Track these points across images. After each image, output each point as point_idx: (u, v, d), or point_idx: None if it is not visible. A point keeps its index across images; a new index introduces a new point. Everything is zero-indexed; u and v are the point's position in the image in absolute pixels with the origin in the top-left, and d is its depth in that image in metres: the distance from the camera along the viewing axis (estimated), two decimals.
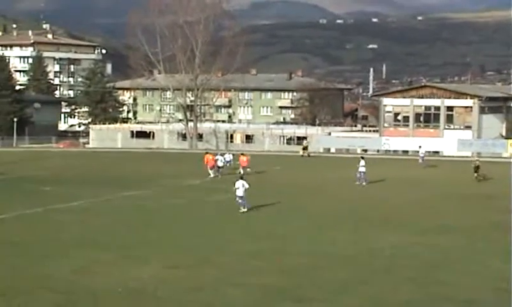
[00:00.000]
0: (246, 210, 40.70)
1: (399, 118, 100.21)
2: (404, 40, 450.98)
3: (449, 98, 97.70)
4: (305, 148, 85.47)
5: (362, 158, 57.44)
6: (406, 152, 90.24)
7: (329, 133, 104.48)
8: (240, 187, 40.62)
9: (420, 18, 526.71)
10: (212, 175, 58.46)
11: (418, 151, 74.50)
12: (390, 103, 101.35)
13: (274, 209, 42.98)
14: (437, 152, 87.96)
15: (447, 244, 32.30)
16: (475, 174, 58.60)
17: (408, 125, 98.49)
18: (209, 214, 41.04)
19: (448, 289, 24.69)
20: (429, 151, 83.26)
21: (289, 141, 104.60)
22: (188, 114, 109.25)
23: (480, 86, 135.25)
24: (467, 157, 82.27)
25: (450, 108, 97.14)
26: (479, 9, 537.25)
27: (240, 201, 40.81)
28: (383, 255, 29.85)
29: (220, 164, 59.93)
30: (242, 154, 63.53)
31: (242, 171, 57.29)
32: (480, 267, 27.78)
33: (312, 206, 44.29)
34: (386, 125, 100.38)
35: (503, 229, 35.89)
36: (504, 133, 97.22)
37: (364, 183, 55.01)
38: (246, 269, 27.28)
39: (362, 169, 55.61)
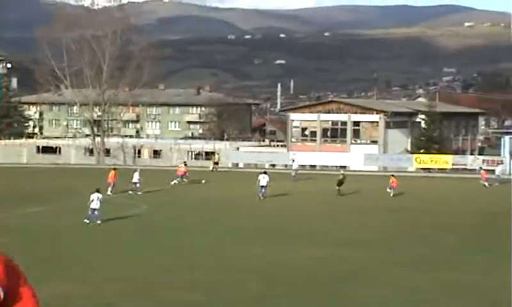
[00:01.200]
0: (99, 222, 41.48)
1: (307, 132, 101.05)
2: (312, 56, 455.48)
3: (356, 113, 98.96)
4: (216, 163, 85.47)
5: (265, 173, 58.00)
6: (313, 167, 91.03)
7: (238, 148, 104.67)
8: (95, 199, 41.40)
9: (327, 34, 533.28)
10: (109, 192, 57.24)
11: (291, 165, 78.26)
12: (297, 118, 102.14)
13: (184, 223, 42.82)
14: (344, 167, 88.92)
15: (362, 256, 32.65)
16: (337, 188, 58.68)
17: (315, 140, 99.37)
18: (115, 229, 40.59)
19: (361, 301, 24.94)
20: (336, 166, 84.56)
21: (197, 156, 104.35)
22: (95, 129, 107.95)
23: (386, 101, 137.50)
24: (373, 171, 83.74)
25: (356, 123, 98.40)
26: (386, 26, 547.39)
27: (95, 213, 41.61)
28: (298, 268, 30.01)
29: (135, 180, 59.31)
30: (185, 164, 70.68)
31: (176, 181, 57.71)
32: (395, 279, 28.13)
33: (224, 220, 44.34)
34: (293, 139, 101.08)
35: (417, 242, 36.59)
36: (409, 148, 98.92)
37: (262, 197, 55.40)
38: (156, 284, 27.03)
39: (263, 183, 55.92)
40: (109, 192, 56.68)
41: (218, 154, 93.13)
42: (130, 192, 57.73)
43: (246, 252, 33.52)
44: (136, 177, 59.31)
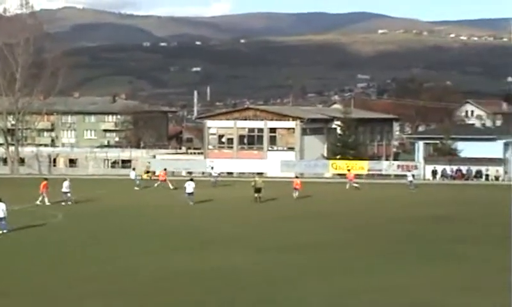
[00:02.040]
0: (5, 231, 40.98)
1: (223, 140, 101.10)
2: (228, 63, 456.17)
3: (272, 120, 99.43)
4: (148, 172, 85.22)
5: (191, 180, 58.73)
6: (230, 174, 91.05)
7: (154, 156, 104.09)
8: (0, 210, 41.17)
9: (243, 41, 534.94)
10: (38, 201, 56.58)
11: (211, 173, 79.70)
12: (214, 125, 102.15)
13: (102, 232, 42.33)
14: (261, 173, 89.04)
15: (291, 262, 32.69)
16: (256, 196, 58.76)
17: (232, 147, 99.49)
18: (31, 240, 39.87)
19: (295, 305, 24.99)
20: (253, 173, 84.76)
21: (114, 164, 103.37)
22: (9, 138, 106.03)
23: (302, 107, 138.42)
24: (290, 177, 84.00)
25: (273, 130, 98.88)
26: (301, 33, 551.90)
27: (2, 223, 41.19)
28: (227, 273, 29.90)
29: (65, 189, 58.32)
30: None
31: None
32: (325, 284, 28.18)
33: (150, 228, 44.04)
34: (210, 147, 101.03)
35: (350, 247, 36.80)
36: (325, 154, 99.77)
37: (192, 204, 55.54)
38: (82, 293, 26.62)
39: (189, 190, 56.69)
40: (37, 202, 56.25)
41: (149, 162, 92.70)
42: (63, 203, 56.64)
43: (171, 260, 33.26)
44: (65, 186, 58.49)
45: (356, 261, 32.89)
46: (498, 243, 37.54)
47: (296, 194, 60.47)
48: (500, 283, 27.63)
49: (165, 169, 75.89)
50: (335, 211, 53.73)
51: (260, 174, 79.34)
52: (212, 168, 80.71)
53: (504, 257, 32.46)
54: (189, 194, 56.84)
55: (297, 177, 64.34)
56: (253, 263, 32.37)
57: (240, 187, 69.83)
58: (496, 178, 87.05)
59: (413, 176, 75.79)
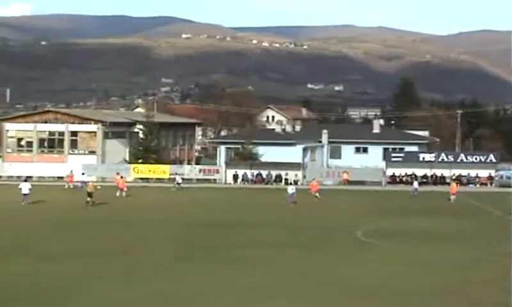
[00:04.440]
0: None
1: (22, 143, 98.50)
2: (29, 65, 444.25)
3: (73, 123, 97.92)
4: None
5: (25, 181, 61.39)
6: (30, 178, 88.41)
7: None
8: None
9: (44, 43, 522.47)
10: None
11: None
12: (12, 128, 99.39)
13: None
14: (61, 177, 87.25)
15: (74, 269, 31.88)
16: (88, 199, 59.10)
17: (31, 150, 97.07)
18: None
19: None
20: (53, 177, 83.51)
21: None
22: None
23: (104, 111, 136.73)
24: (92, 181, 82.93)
25: (74, 133, 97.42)
26: (103, 36, 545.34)
27: None
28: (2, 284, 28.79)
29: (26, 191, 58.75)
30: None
31: None
32: (108, 292, 27.68)
33: None
34: (9, 150, 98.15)
35: (122, 253, 36.42)
36: (127, 158, 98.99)
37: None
38: None
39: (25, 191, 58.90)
40: None
41: None
42: None
43: None
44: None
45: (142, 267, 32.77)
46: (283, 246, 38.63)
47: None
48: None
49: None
50: (130, 216, 53.50)
51: (60, 178, 78.11)
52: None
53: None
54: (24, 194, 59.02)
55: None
56: (26, 274, 31.17)
57: (40, 191, 67.72)
58: (296, 182, 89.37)
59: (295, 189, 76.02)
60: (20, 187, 60.30)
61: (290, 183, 74.26)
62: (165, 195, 72.78)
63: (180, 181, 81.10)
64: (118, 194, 68.95)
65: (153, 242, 40.66)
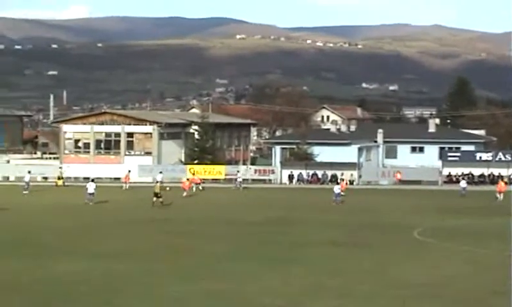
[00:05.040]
0: None
1: (80, 144, 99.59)
2: (85, 67, 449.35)
3: (129, 124, 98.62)
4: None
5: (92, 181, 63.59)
6: (87, 179, 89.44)
7: (8, 161, 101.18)
8: None
9: (100, 45, 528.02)
10: None
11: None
12: (70, 129, 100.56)
13: None
14: (118, 178, 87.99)
15: (124, 269, 32.15)
16: (154, 199, 59.74)
17: (88, 152, 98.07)
18: None
19: None
20: (110, 178, 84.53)
21: None
22: None
23: (159, 112, 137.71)
24: (148, 182, 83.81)
25: (130, 134, 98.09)
26: (159, 37, 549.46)
27: None
28: (60, 282, 29.11)
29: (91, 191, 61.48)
30: None
31: None
32: (159, 290, 27.88)
33: None
34: (66, 151, 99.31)
35: (180, 252, 36.62)
36: (183, 159, 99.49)
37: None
38: None
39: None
40: None
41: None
42: None
43: (7, 267, 32.31)
44: None
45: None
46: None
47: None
48: None
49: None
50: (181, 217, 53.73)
51: (117, 179, 78.95)
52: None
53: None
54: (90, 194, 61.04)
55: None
56: (82, 272, 31.51)
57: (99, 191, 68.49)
58: (351, 182, 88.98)
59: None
60: (86, 186, 62.49)
61: (337, 183, 73.45)
62: (226, 195, 73.01)
63: (240, 180, 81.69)
64: (194, 189, 73.88)
65: (210, 240, 40.87)
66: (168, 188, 66.32)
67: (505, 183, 75.63)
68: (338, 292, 27.63)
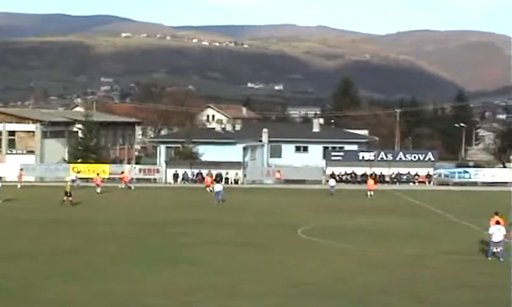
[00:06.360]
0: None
1: None
2: None
3: (11, 122, 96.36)
4: None
5: None
6: None
7: None
8: None
9: None
10: None
11: None
12: None
13: None
14: (0, 178, 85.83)
15: (9, 271, 31.37)
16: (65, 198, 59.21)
17: None
18: None
19: None
20: None
21: None
22: None
23: (42, 110, 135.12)
24: (30, 181, 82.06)
25: (12, 132, 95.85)
26: (42, 34, 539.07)
27: None
28: None
29: None
30: None
31: None
32: (43, 293, 27.24)
33: None
34: None
35: (69, 252, 36.05)
36: (66, 158, 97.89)
37: None
38: None
39: None
40: None
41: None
42: None
43: None
44: None
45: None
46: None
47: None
48: None
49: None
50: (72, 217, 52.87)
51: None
52: None
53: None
54: None
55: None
56: None
57: None
58: (236, 181, 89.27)
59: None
60: None
61: (218, 182, 73.83)
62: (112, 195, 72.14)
63: (129, 179, 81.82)
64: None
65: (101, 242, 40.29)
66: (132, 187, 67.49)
67: (375, 181, 77.78)
68: (227, 292, 27.58)
